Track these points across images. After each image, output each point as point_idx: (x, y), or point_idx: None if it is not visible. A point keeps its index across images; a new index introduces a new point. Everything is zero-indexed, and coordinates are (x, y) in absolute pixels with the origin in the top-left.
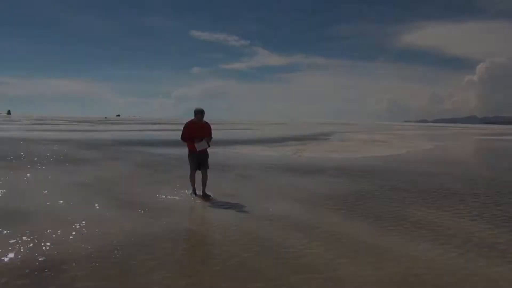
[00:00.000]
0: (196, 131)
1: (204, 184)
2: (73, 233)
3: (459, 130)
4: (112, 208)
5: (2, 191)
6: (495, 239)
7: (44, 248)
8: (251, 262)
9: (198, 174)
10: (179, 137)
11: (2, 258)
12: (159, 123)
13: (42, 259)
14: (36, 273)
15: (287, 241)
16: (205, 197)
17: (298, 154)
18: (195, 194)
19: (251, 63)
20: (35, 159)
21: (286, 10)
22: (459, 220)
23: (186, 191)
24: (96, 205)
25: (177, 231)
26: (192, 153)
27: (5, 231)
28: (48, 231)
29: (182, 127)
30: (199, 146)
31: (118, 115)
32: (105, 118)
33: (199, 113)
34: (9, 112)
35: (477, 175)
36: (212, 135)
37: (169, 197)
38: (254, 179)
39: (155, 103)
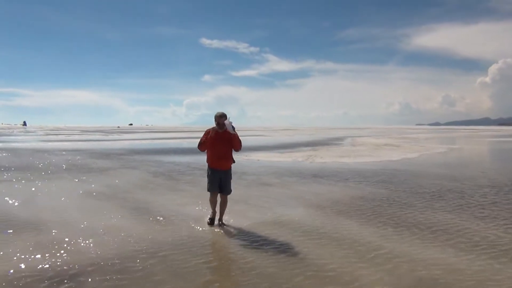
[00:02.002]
0: (218, 143)
1: (222, 212)
2: (89, 242)
3: (472, 132)
4: (127, 217)
5: (19, 200)
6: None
7: (60, 257)
8: (267, 268)
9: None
10: (193, 145)
11: (19, 268)
12: (171, 131)
13: (58, 269)
14: (53, 283)
15: (300, 246)
16: (221, 225)
17: (310, 160)
18: (212, 221)
19: (261, 69)
20: (50, 169)
21: (295, 16)
22: (477, 224)
23: (198, 208)
24: (111, 214)
25: (190, 239)
26: (213, 169)
27: (21, 241)
28: (64, 240)
29: (193, 135)
30: (226, 125)
31: (131, 124)
32: (118, 127)
33: (217, 119)
34: (24, 123)
35: (492, 178)
36: (241, 145)
37: (183, 206)
38: (267, 185)
39: (166, 112)
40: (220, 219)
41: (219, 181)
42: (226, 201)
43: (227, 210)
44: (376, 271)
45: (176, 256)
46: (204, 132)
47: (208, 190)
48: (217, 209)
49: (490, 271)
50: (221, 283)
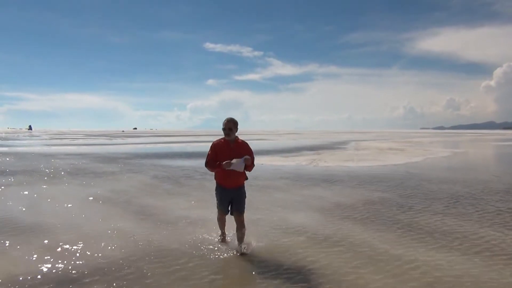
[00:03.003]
0: (227, 154)
1: (241, 238)
2: (94, 246)
3: (477, 136)
4: (131, 221)
5: (24, 204)
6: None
7: (65, 261)
8: (271, 271)
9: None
10: (197, 149)
11: (26, 272)
12: (175, 135)
13: (63, 273)
14: (54, 286)
15: (304, 250)
16: (242, 254)
17: (314, 164)
18: (224, 239)
19: (265, 73)
20: (56, 173)
21: (299, 20)
22: (481, 228)
23: (203, 212)
24: (116, 218)
25: (194, 243)
26: (221, 188)
27: (26, 245)
28: (69, 244)
29: (198, 139)
30: (234, 164)
31: (135, 128)
32: (123, 131)
33: (229, 125)
34: (30, 128)
35: (496, 183)
36: (254, 160)
37: (188, 210)
38: (270, 189)
39: (170, 116)
40: (239, 246)
41: (230, 201)
42: (243, 223)
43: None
44: (381, 273)
45: (181, 261)
46: (210, 147)
47: (218, 209)
48: (229, 234)
49: (496, 275)
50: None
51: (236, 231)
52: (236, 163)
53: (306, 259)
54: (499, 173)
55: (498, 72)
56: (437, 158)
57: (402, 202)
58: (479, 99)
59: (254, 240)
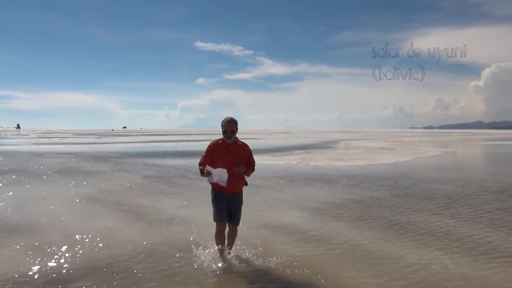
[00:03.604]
0: (225, 158)
1: (230, 244)
2: (82, 246)
3: (465, 136)
4: (120, 220)
5: (11, 204)
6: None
7: (52, 261)
8: (260, 271)
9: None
10: (187, 149)
11: (11, 271)
12: (166, 134)
13: (50, 272)
14: (42, 285)
15: (294, 249)
16: (230, 257)
17: (304, 163)
18: (222, 255)
19: (255, 72)
20: (44, 172)
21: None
22: (469, 226)
23: (193, 211)
24: (105, 217)
25: (185, 243)
26: (219, 193)
27: (13, 244)
28: (56, 244)
29: (189, 138)
30: (215, 176)
31: (125, 127)
32: (112, 130)
33: (231, 127)
34: (18, 126)
35: (483, 181)
36: (255, 164)
37: (178, 209)
38: (260, 188)
39: (161, 115)
40: (230, 250)
41: (227, 208)
42: (236, 232)
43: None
44: (369, 272)
45: (170, 260)
46: (205, 150)
47: (214, 220)
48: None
49: (483, 273)
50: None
51: (227, 235)
52: (216, 175)
53: (295, 258)
54: (483, 171)
55: (486, 72)
56: (426, 158)
57: (392, 201)
58: (467, 99)
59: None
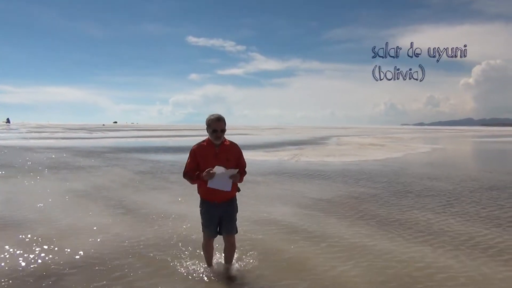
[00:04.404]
0: (212, 162)
1: (229, 260)
2: (72, 241)
3: (455, 132)
4: (111, 215)
5: (0, 198)
6: (501, 242)
7: (41, 257)
8: (252, 267)
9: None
10: (178, 144)
11: (0, 267)
12: (158, 130)
13: (39, 268)
14: (35, 282)
15: (286, 245)
16: (230, 277)
17: (296, 159)
18: (210, 267)
19: (247, 68)
20: (33, 167)
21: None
22: (458, 222)
23: (184, 206)
24: (95, 213)
25: (174, 238)
26: (207, 203)
27: (2, 240)
28: (46, 239)
29: (180, 133)
30: (217, 176)
31: (115, 122)
32: (103, 125)
33: (221, 125)
34: (8, 120)
35: (473, 177)
36: (246, 168)
37: (169, 204)
38: (252, 184)
39: (152, 110)
40: (227, 268)
41: (218, 220)
42: (234, 244)
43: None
44: (361, 267)
45: (161, 255)
46: (189, 154)
47: (204, 232)
48: (216, 257)
49: (479, 270)
50: (208, 284)
51: (224, 251)
52: (220, 175)
53: (284, 253)
54: (473, 168)
55: (477, 70)
56: (416, 154)
57: (382, 196)
58: (458, 97)
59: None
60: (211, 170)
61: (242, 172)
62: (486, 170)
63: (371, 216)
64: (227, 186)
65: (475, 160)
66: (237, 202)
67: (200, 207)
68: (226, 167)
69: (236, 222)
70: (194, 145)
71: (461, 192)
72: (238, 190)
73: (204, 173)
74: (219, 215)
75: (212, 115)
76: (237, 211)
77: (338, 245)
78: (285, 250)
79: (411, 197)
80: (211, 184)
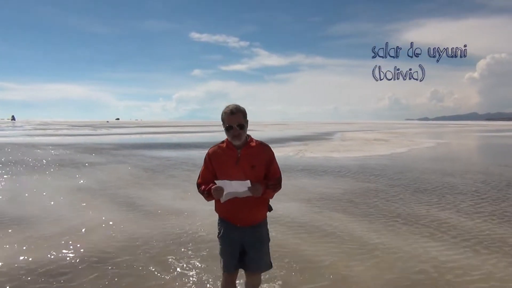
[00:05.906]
0: (230, 172)
1: None
2: (78, 238)
3: (460, 127)
4: (116, 212)
5: (7, 196)
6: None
7: (48, 253)
8: None
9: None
10: (182, 140)
11: (6, 264)
12: (162, 126)
13: (46, 264)
14: (41, 278)
15: (291, 240)
16: None
17: (300, 154)
18: None
19: (251, 64)
20: (39, 164)
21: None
22: (465, 218)
23: (189, 203)
24: (101, 209)
25: (179, 234)
26: (229, 226)
27: (9, 237)
28: (52, 236)
29: (184, 129)
30: (230, 194)
31: (118, 119)
32: (107, 122)
33: (238, 119)
34: (13, 118)
35: (478, 172)
36: (281, 176)
37: (174, 201)
38: None
39: (156, 106)
40: None
41: (241, 249)
42: (259, 280)
43: None
44: (367, 263)
45: (166, 252)
46: (203, 161)
47: (222, 268)
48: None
49: (480, 263)
50: (214, 281)
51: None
52: (234, 192)
53: (292, 249)
54: (473, 163)
55: (481, 64)
56: (421, 149)
57: (387, 192)
58: (462, 91)
59: None
60: (218, 186)
61: (274, 184)
62: (494, 164)
63: (377, 211)
64: (243, 193)
65: (481, 154)
66: None
67: (218, 226)
68: (251, 177)
69: (269, 256)
70: (210, 148)
71: (469, 187)
72: (270, 209)
73: (213, 189)
74: (239, 243)
75: (227, 106)
76: (268, 240)
77: (345, 241)
78: (287, 245)
79: (419, 193)
80: (224, 199)
